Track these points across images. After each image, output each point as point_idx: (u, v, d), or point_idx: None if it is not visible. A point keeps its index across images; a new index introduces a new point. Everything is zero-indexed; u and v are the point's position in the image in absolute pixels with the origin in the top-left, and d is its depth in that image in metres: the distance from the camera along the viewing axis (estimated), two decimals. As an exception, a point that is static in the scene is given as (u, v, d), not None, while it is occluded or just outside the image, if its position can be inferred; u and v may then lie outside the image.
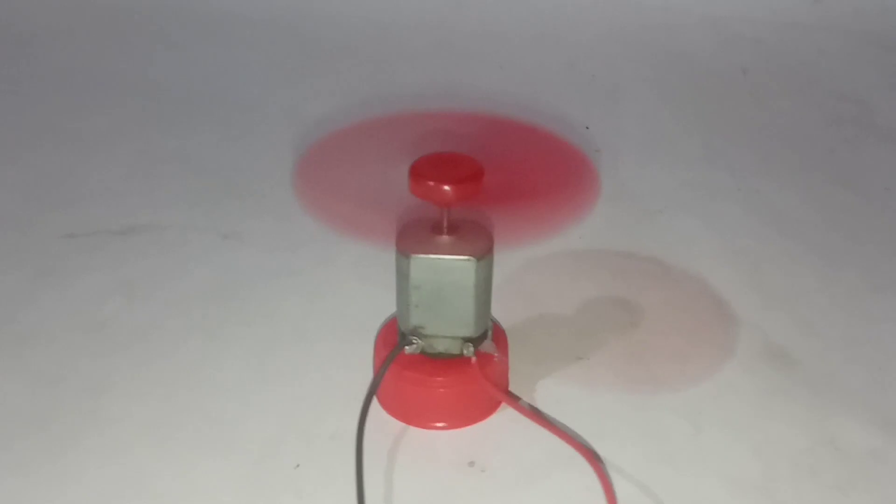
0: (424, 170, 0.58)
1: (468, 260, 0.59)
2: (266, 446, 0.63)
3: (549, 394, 0.68)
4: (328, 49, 1.31)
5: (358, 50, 1.31)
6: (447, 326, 0.62)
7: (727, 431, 0.65)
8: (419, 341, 0.62)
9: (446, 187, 0.57)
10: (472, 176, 0.58)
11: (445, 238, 0.60)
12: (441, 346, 0.63)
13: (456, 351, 0.63)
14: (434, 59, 1.29)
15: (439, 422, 0.65)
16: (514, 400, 0.66)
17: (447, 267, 0.59)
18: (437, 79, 1.24)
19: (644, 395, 0.68)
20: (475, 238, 0.61)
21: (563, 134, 0.65)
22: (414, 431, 0.64)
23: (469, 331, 0.62)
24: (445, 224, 0.60)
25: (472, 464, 0.62)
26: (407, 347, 0.62)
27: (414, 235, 0.61)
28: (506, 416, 0.66)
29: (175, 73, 1.24)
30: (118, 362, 0.70)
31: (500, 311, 0.69)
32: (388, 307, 0.75)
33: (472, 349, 0.63)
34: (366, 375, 0.68)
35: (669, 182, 0.99)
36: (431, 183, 0.57)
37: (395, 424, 0.65)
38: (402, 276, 0.60)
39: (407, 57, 1.30)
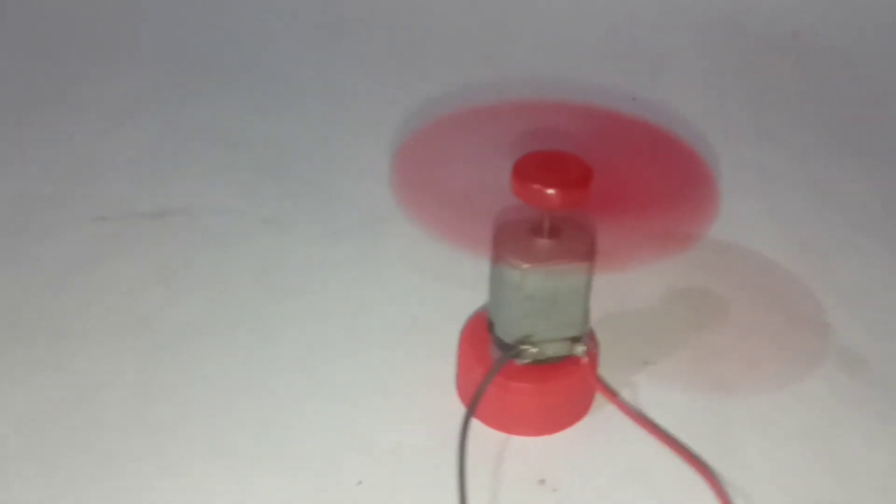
0: (529, 170, 0.54)
1: (581, 265, 0.56)
2: (325, 461, 0.60)
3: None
4: (355, 18, 1.24)
5: (382, 19, 1.24)
6: (555, 329, 0.58)
7: (804, 446, 0.62)
8: (531, 349, 0.59)
9: (551, 191, 0.53)
10: (581, 180, 0.53)
11: (548, 242, 0.56)
12: (550, 351, 0.59)
13: (564, 353, 0.60)
14: (464, 31, 1.22)
15: (530, 428, 0.62)
16: (618, 400, 0.63)
17: (560, 274, 0.56)
18: (470, 51, 1.17)
19: (715, 404, 0.65)
20: (577, 238, 0.57)
21: (673, 130, 0.59)
22: (478, 443, 0.61)
23: (577, 330, 0.59)
24: (547, 227, 0.56)
25: (542, 482, 0.59)
26: (517, 360, 0.59)
27: (515, 242, 0.56)
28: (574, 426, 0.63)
29: (202, 35, 1.18)
30: (165, 364, 0.67)
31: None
32: (441, 301, 0.72)
33: (583, 349, 0.59)
34: (424, 379, 0.65)
35: (724, 162, 0.95)
36: (536, 186, 0.53)
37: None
38: (511, 288, 0.56)
39: (432, 27, 1.23)
